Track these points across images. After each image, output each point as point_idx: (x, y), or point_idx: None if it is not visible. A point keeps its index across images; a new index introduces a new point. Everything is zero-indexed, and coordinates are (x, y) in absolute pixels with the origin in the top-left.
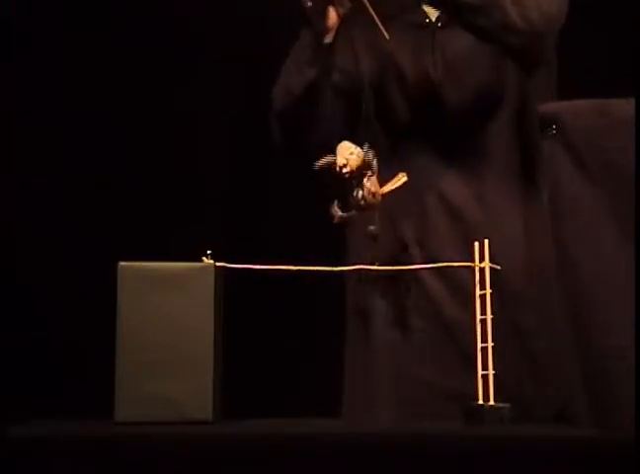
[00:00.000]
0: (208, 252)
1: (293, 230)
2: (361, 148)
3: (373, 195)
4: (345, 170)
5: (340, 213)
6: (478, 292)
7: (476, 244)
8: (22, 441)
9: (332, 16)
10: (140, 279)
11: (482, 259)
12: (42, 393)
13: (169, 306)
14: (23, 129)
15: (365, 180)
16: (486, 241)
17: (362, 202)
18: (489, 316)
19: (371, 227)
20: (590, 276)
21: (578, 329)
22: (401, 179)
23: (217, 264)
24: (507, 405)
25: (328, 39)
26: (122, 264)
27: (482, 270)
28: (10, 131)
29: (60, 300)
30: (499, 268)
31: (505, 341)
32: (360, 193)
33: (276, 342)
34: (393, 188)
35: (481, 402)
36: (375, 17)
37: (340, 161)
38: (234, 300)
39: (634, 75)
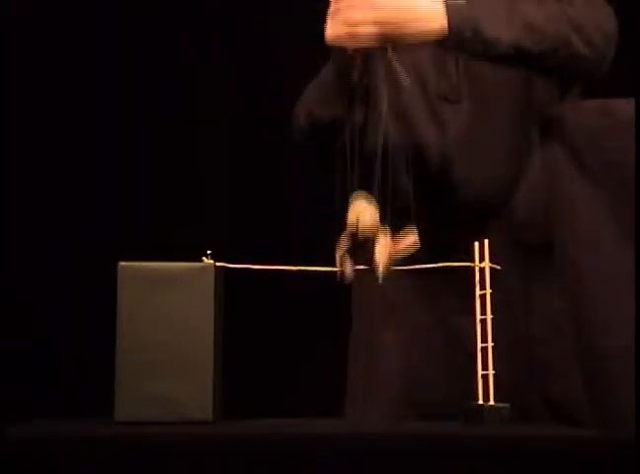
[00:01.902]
0: (208, 252)
1: (293, 230)
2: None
3: (388, 255)
4: (352, 230)
5: (350, 271)
6: (478, 292)
7: (476, 244)
8: (22, 441)
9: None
10: (140, 279)
11: (482, 259)
12: (42, 393)
13: (169, 306)
14: (23, 129)
15: (379, 239)
16: (486, 241)
17: (375, 263)
18: (489, 316)
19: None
20: (590, 276)
21: (578, 329)
22: (411, 238)
23: (217, 264)
24: (507, 405)
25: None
26: (122, 264)
27: (482, 270)
28: (10, 131)
29: (60, 300)
30: (499, 268)
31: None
32: (373, 253)
33: (276, 342)
34: (405, 247)
35: (481, 402)
36: (396, 65)
37: (350, 221)
38: (234, 300)
39: (634, 75)
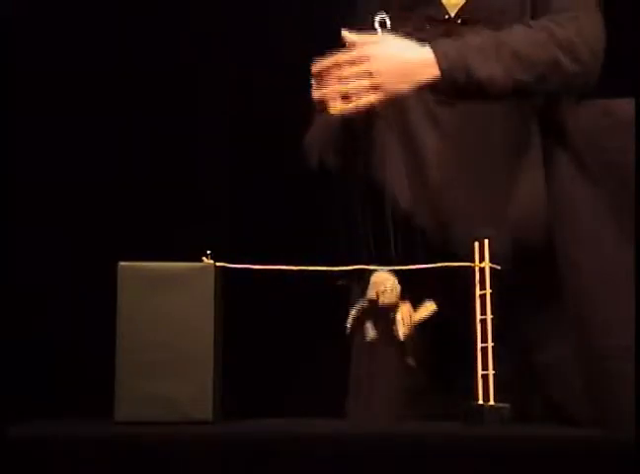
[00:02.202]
0: (208, 252)
1: (293, 230)
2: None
3: (408, 326)
4: (373, 304)
5: (373, 334)
6: (478, 292)
7: (476, 244)
8: (22, 441)
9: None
10: (140, 279)
11: (482, 259)
12: (42, 393)
13: (169, 306)
14: (24, 129)
15: (399, 310)
16: (486, 241)
17: (397, 334)
18: (489, 316)
19: (410, 360)
20: (590, 276)
21: (578, 329)
22: (430, 308)
23: (217, 264)
24: (507, 405)
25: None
26: (122, 264)
27: (482, 269)
28: (11, 131)
29: (60, 300)
30: (499, 267)
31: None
32: (394, 324)
33: (276, 342)
34: (424, 317)
35: (481, 402)
36: None
37: (370, 295)
38: (234, 300)
39: (634, 75)
